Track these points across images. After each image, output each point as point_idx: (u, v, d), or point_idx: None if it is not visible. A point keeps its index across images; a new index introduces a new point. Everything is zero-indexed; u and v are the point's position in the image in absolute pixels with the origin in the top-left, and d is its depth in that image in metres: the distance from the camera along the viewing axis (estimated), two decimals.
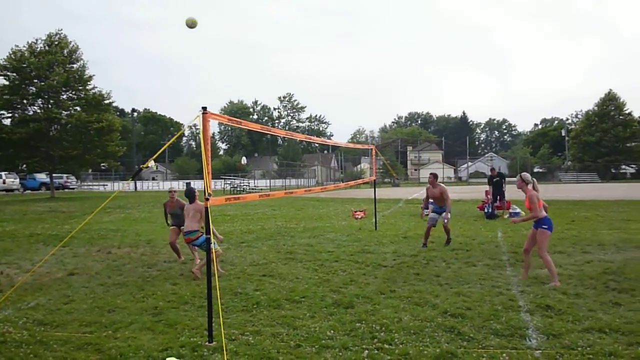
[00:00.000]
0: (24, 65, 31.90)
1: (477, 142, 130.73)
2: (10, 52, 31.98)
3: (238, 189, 40.77)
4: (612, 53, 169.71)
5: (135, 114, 72.94)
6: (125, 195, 35.90)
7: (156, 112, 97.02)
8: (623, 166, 62.74)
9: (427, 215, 10.38)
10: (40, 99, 33.40)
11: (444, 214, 9.90)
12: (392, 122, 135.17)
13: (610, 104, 60.96)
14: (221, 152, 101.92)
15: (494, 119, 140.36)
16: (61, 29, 34.11)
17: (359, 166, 74.40)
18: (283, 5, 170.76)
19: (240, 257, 9.24)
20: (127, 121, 71.35)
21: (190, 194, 7.95)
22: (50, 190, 35.83)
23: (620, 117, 60.37)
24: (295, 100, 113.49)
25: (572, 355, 4.19)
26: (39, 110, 33.21)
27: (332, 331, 4.90)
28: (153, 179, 70.20)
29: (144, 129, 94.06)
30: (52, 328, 5.22)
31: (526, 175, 7.03)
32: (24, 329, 5.20)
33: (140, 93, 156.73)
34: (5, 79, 32.16)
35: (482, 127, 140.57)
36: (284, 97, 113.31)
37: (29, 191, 44.54)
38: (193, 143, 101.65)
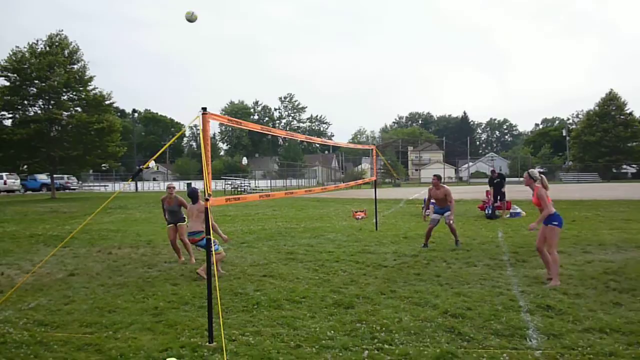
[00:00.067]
0: (25, 66, 31.95)
1: (477, 142, 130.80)
2: (11, 53, 32.05)
3: (239, 189, 40.76)
4: (612, 53, 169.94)
5: (136, 114, 73.07)
6: (125, 196, 35.91)
7: (157, 113, 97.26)
8: (624, 166, 62.73)
9: (429, 215, 10.38)
10: (41, 100, 33.45)
11: (447, 214, 9.89)
12: (393, 122, 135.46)
13: (611, 103, 61.02)
14: (222, 153, 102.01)
15: (494, 119, 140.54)
16: (62, 30, 34.29)
17: (359, 166, 74.37)
18: (283, 5, 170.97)
19: (241, 258, 9.24)
20: (127, 122, 71.48)
21: (192, 194, 7.95)
22: (51, 191, 35.83)
23: (621, 117, 60.40)
24: (296, 101, 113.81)
25: (573, 356, 4.19)
26: (39, 111, 33.25)
27: (332, 331, 4.90)
28: (154, 179, 70.22)
29: (145, 129, 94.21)
30: (53, 329, 5.23)
31: (533, 172, 7.00)
32: (25, 329, 5.20)
33: (141, 93, 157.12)
34: (6, 79, 32.25)
35: (482, 127, 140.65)
36: (285, 98, 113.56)
37: (30, 192, 44.58)
38: (194, 144, 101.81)
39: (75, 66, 34.23)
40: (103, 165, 40.36)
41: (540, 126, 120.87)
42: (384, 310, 5.55)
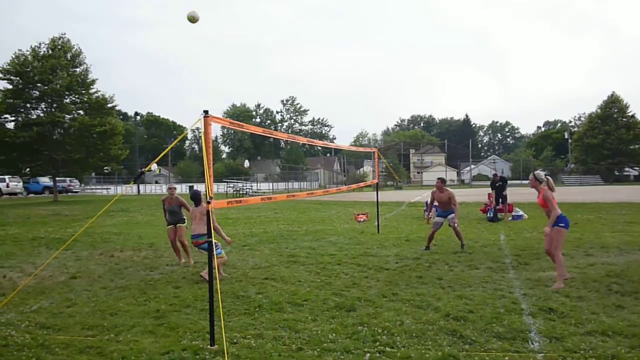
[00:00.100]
0: (28, 69, 32.05)
1: (479, 145, 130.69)
2: (14, 56, 32.17)
3: (241, 192, 40.80)
4: (614, 55, 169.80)
5: (138, 117, 73.23)
6: (128, 199, 35.95)
7: (159, 116, 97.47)
8: (626, 169, 62.61)
9: (432, 218, 10.35)
10: (43, 103, 33.54)
11: (451, 216, 9.88)
12: (395, 125, 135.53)
13: (613, 106, 60.95)
14: (224, 156, 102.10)
15: (496, 122, 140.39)
16: (64, 33, 34.28)
17: (361, 169, 74.44)
18: (285, 8, 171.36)
19: (243, 260, 9.24)
20: (130, 125, 71.59)
21: (195, 196, 7.97)
22: (53, 194, 35.91)
23: (623, 119, 60.32)
24: (298, 104, 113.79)
25: (575, 359, 4.17)
26: (42, 114, 33.33)
27: (334, 334, 4.89)
28: (156, 182, 70.34)
29: (147, 132, 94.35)
30: (54, 331, 5.23)
31: (539, 174, 7.02)
32: (26, 332, 5.20)
33: (143, 96, 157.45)
34: (8, 82, 32.35)
35: (484, 129, 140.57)
36: (287, 101, 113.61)
37: (33, 195, 44.67)
38: (196, 146, 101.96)
39: (78, 69, 34.34)
40: (105, 168, 40.44)
41: (542, 129, 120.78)
42: (386, 313, 5.55)
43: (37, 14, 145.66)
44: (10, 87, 32.41)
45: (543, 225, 13.36)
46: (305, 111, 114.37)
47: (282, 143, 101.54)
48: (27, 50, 32.82)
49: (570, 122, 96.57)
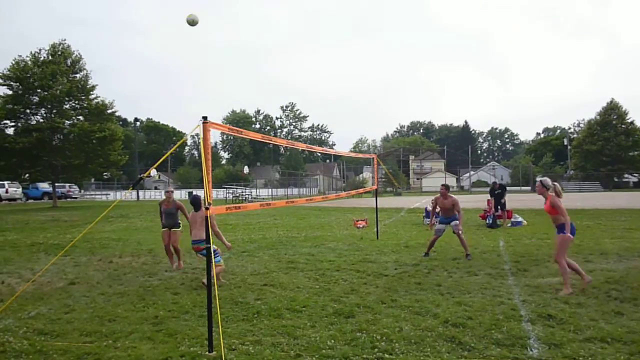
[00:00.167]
0: (28, 75, 32.15)
1: (479, 151, 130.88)
2: (14, 62, 32.26)
3: (240, 198, 40.79)
4: (613, 62, 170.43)
5: (138, 123, 73.27)
6: (127, 205, 35.93)
7: (159, 122, 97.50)
8: (625, 175, 62.65)
9: (434, 225, 10.27)
10: (43, 109, 33.64)
11: (454, 223, 9.84)
12: (394, 131, 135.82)
13: (612, 112, 61.07)
14: (223, 162, 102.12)
15: (496, 128, 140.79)
16: (65, 39, 34.49)
17: (361, 175, 74.36)
18: (287, 13, 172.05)
19: (242, 266, 9.23)
20: (129, 130, 71.67)
21: (195, 201, 7.96)
22: (52, 200, 35.91)
23: (622, 126, 60.42)
24: (297, 110, 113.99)
25: None
26: (42, 120, 33.43)
27: (332, 341, 4.88)
28: (155, 188, 70.27)
29: (147, 138, 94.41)
30: (53, 337, 5.22)
31: (546, 180, 7.04)
32: (24, 338, 5.19)
33: (143, 102, 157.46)
34: (8, 88, 32.44)
35: (484, 136, 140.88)
36: (286, 107, 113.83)
37: (32, 200, 44.65)
38: (195, 152, 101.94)
39: (78, 75, 34.46)
40: (105, 173, 40.49)
41: (542, 135, 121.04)
42: (385, 320, 5.54)
43: (37, 20, 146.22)
44: (10, 92, 32.52)
45: (542, 232, 13.41)
46: (304, 117, 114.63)
47: (282, 149, 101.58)
48: (27, 56, 33.03)
49: (570, 128, 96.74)
